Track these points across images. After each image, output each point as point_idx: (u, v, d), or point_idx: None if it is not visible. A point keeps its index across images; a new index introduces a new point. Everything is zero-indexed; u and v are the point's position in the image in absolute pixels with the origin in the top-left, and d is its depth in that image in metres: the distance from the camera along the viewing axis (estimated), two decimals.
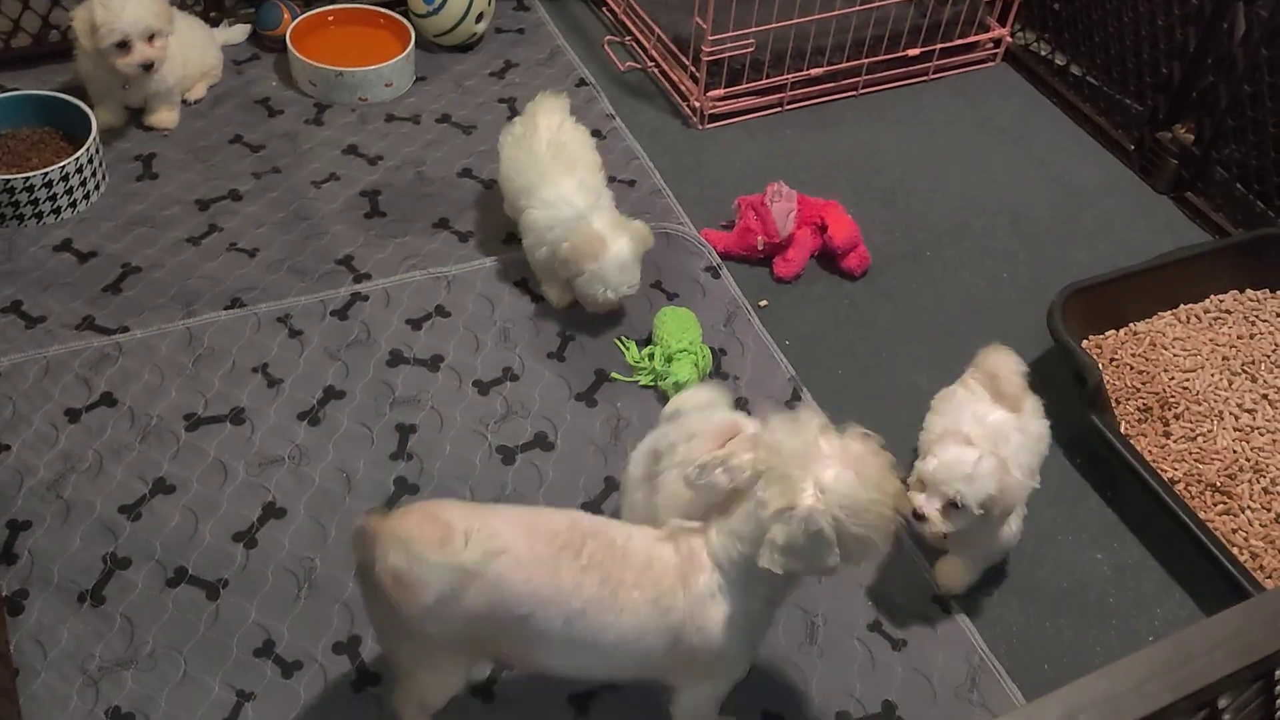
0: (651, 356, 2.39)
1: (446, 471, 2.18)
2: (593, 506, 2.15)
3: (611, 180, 2.80)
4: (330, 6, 3.07)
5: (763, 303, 2.59)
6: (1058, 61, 3.29)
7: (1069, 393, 2.38)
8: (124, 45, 2.54)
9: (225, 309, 2.41)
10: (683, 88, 3.07)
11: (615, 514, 2.13)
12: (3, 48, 2.91)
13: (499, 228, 2.65)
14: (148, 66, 2.58)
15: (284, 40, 2.95)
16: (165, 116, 2.78)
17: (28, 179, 2.46)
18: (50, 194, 2.50)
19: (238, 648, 1.90)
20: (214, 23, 2.97)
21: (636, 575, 1.57)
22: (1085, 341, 2.49)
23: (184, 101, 2.86)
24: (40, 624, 1.90)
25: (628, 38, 3.27)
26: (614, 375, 2.38)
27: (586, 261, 2.33)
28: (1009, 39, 3.33)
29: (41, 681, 1.83)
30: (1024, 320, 2.60)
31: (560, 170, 2.39)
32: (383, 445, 2.21)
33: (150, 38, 2.57)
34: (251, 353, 2.34)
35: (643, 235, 2.40)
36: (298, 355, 2.34)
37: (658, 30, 3.13)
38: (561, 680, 1.79)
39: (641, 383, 2.37)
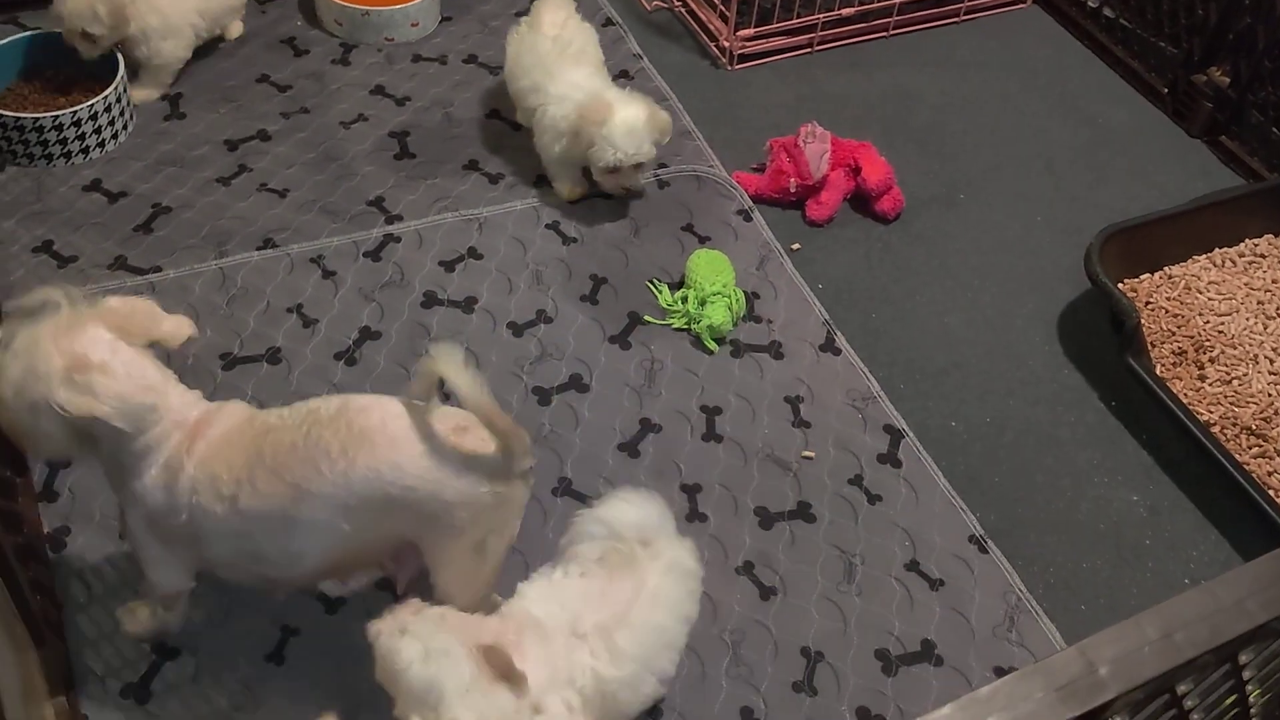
0: (685, 300, 2.37)
1: None
2: (629, 447, 2.15)
3: None
4: None
5: (795, 246, 2.57)
6: (1090, 3, 3.25)
7: (1105, 335, 2.37)
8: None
9: (258, 249, 2.40)
10: (711, 27, 3.03)
11: (653, 459, 2.13)
12: None
13: (529, 170, 2.63)
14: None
15: None
16: (142, 94, 2.69)
17: (55, 118, 2.44)
18: (79, 133, 2.48)
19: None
20: None
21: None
22: (1120, 284, 2.47)
23: (220, 39, 2.83)
24: (83, 560, 1.90)
25: None
26: (647, 318, 2.37)
27: (593, 125, 2.35)
28: None
29: (87, 617, 1.83)
30: (1057, 263, 2.58)
31: (568, 64, 2.44)
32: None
33: (85, 35, 2.50)
34: (286, 293, 2.33)
35: (657, 112, 2.43)
36: (332, 296, 2.33)
37: None
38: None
39: (675, 325, 2.36)
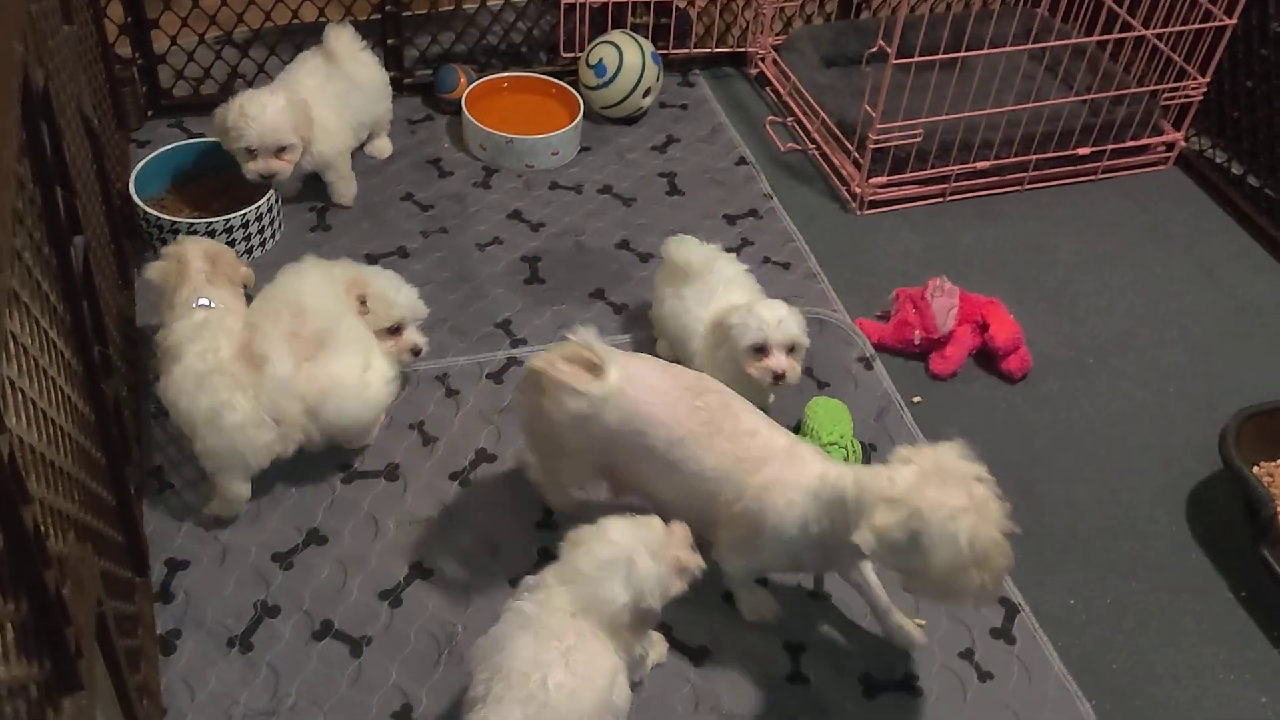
0: None
1: None
2: (732, 597, 2.11)
3: (766, 261, 2.80)
4: (504, 74, 3.15)
5: (916, 399, 2.54)
6: (1234, 170, 3.19)
7: (1238, 520, 2.28)
8: (251, 152, 2.56)
9: None
10: (844, 172, 3.05)
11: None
12: (192, 94, 3.04)
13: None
14: (268, 177, 2.60)
15: (459, 103, 3.03)
16: (344, 191, 2.81)
17: (209, 224, 2.56)
18: (230, 239, 2.59)
19: (377, 708, 1.90)
20: (395, 84, 3.03)
21: (735, 432, 1.91)
22: (1256, 468, 2.38)
23: (372, 157, 2.95)
24: (190, 666, 1.94)
25: (790, 119, 3.28)
26: None
27: (736, 315, 2.24)
28: (1183, 143, 3.24)
29: None
30: (1189, 439, 2.50)
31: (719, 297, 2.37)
32: (529, 512, 2.21)
33: (279, 151, 2.59)
34: (409, 409, 2.37)
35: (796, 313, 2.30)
36: (453, 415, 2.37)
37: (822, 114, 3.13)
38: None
39: None
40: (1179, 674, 2.10)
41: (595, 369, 1.92)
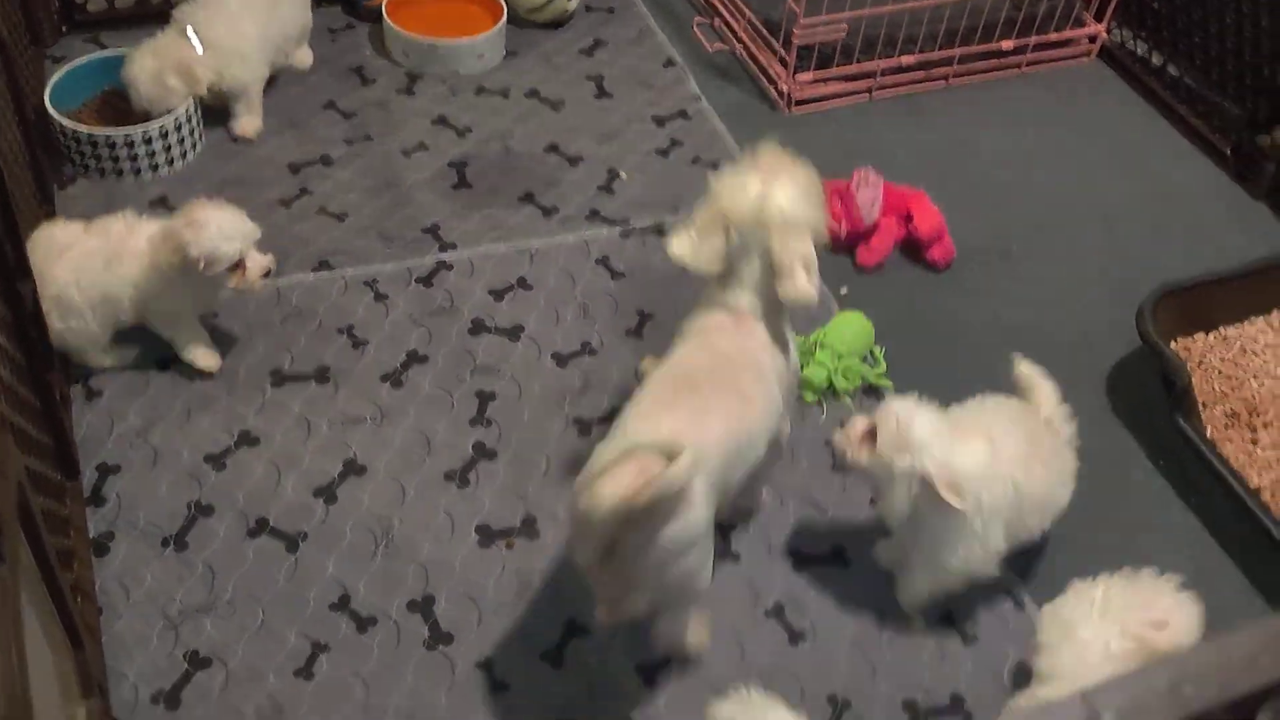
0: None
1: (524, 439, 2.19)
2: None
3: (695, 161, 2.81)
4: None
5: (843, 290, 2.57)
6: (1154, 61, 3.23)
7: (1154, 395, 2.34)
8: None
9: (314, 270, 2.45)
10: (771, 71, 3.05)
11: None
12: (107, 8, 2.97)
13: (583, 204, 2.67)
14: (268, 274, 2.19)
15: (379, 11, 2.98)
16: (248, 123, 2.74)
17: (128, 135, 2.52)
18: (149, 150, 2.56)
19: (314, 600, 1.93)
20: None
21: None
22: (1173, 343, 2.44)
23: (293, 68, 2.89)
24: (125, 566, 1.94)
25: (716, 20, 3.26)
26: None
27: None
28: (1105, 36, 3.27)
29: (124, 622, 1.87)
30: (1110, 320, 2.55)
31: None
32: (462, 410, 2.23)
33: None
34: (337, 314, 2.37)
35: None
36: (383, 319, 2.37)
37: (748, 13, 3.12)
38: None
39: None
40: (1099, 542, 2.16)
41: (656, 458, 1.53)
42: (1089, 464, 2.28)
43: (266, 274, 2.16)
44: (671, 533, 1.56)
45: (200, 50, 2.58)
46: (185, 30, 2.58)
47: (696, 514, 1.59)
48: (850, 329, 2.37)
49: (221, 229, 2.06)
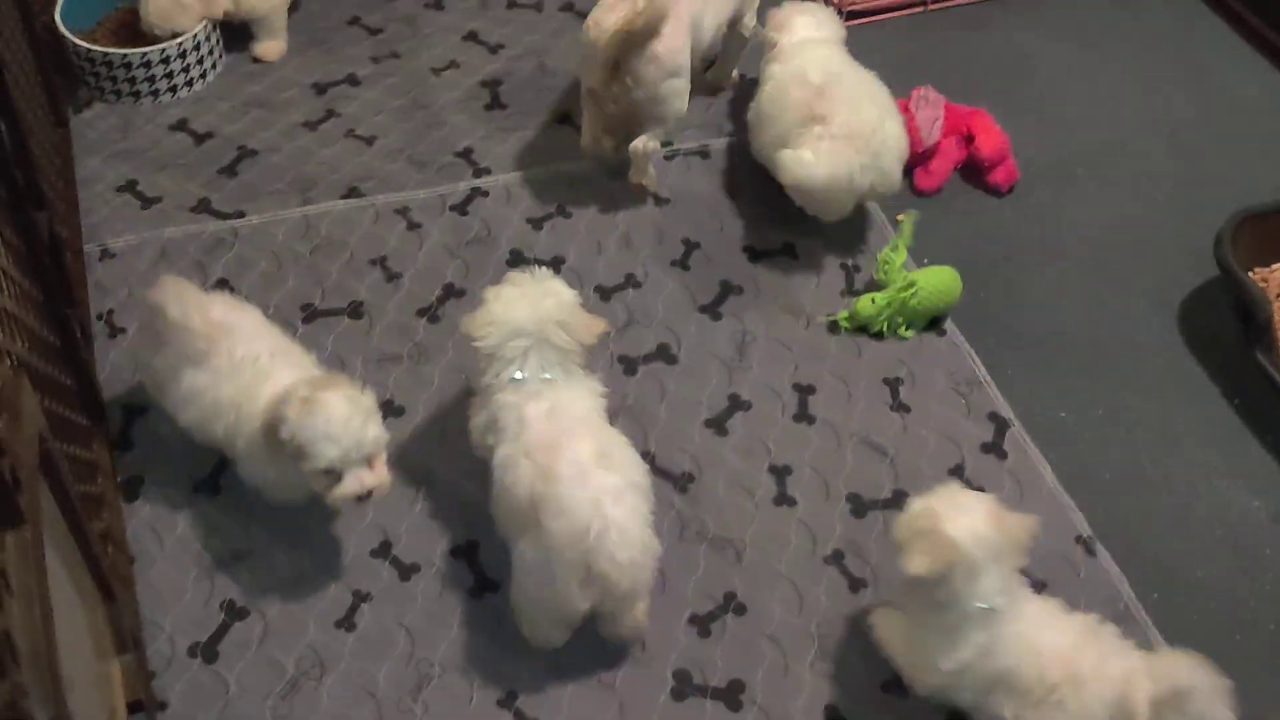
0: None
1: None
2: (716, 424, 2.05)
3: (743, 78, 2.66)
4: None
5: (901, 216, 2.43)
6: None
7: (1231, 327, 2.21)
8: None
9: (343, 198, 2.33)
10: None
11: (741, 436, 2.03)
12: None
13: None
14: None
15: None
16: (268, 47, 2.60)
17: (144, 55, 2.40)
18: (167, 71, 2.43)
19: (355, 547, 1.85)
20: None
21: None
22: (1252, 273, 2.30)
23: None
24: (156, 512, 1.86)
25: None
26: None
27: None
28: None
29: (157, 570, 1.80)
30: (1182, 246, 2.42)
31: None
32: None
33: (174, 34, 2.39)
34: (370, 244, 2.26)
35: None
36: (417, 249, 2.26)
37: None
38: None
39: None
40: (1172, 481, 2.07)
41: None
42: (1159, 397, 2.18)
43: (366, 496, 1.67)
44: (660, 49, 2.13)
45: None
46: None
47: (678, 41, 2.16)
48: (938, 286, 2.20)
49: (330, 426, 1.61)
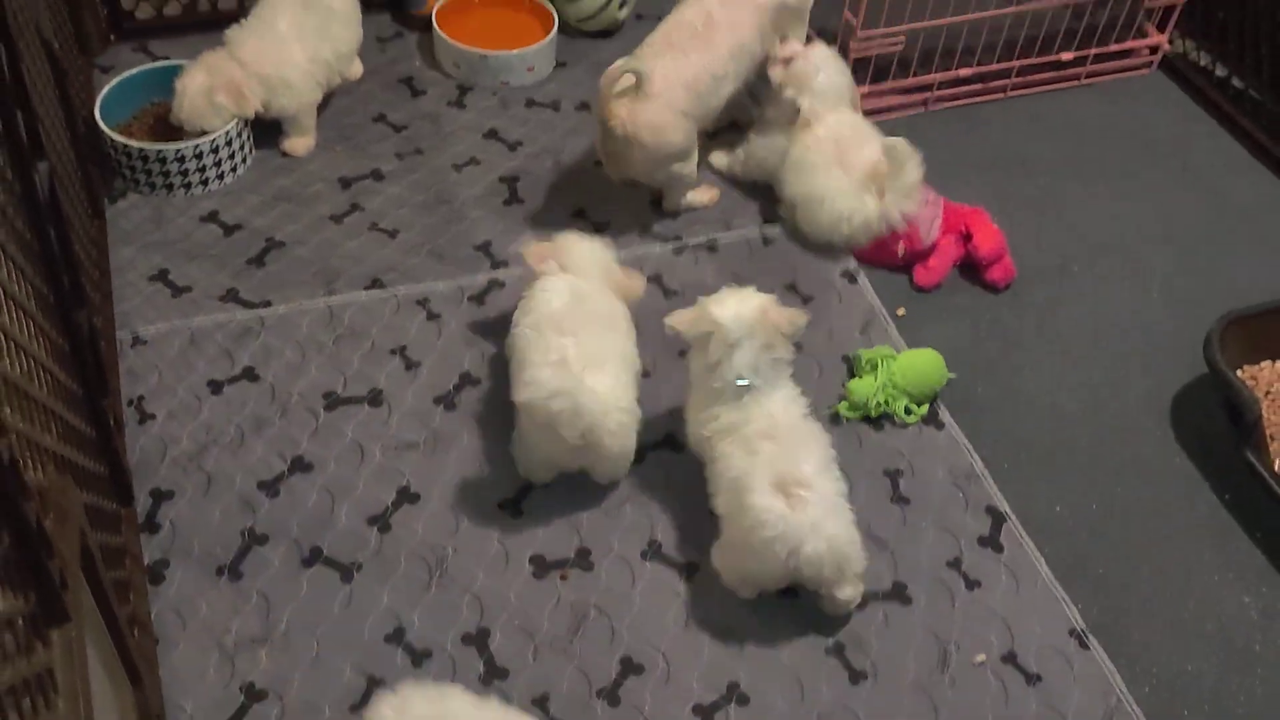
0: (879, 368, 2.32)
1: None
2: None
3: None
4: None
5: (900, 311, 2.52)
6: (1218, 72, 3.15)
7: (1222, 423, 2.28)
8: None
9: (366, 289, 2.42)
10: None
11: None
12: (155, 16, 2.96)
13: (633, 221, 2.63)
14: None
15: (429, 19, 2.95)
16: (297, 143, 2.71)
17: (179, 150, 2.50)
18: (199, 165, 2.54)
19: (369, 633, 1.91)
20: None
21: None
22: (1240, 372, 2.38)
23: (343, 78, 2.84)
24: (180, 595, 1.93)
25: None
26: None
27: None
28: (1167, 46, 3.19)
29: (180, 653, 1.86)
30: (1174, 343, 2.50)
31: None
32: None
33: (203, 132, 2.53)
34: (390, 334, 2.35)
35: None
36: (435, 339, 2.35)
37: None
38: None
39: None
40: (1164, 576, 2.12)
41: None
42: (1152, 493, 2.24)
43: None
44: (646, 137, 2.39)
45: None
46: (235, 53, 2.55)
47: (676, 125, 2.43)
48: (920, 366, 2.31)
49: None
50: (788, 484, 1.83)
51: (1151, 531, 2.19)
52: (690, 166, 2.55)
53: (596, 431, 1.95)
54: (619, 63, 2.39)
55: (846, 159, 2.53)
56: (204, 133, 2.53)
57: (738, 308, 1.96)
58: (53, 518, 1.23)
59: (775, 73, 2.58)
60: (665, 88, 2.41)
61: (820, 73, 2.54)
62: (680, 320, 2.00)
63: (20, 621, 1.06)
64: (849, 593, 1.93)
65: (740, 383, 1.95)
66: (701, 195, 2.68)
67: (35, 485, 1.20)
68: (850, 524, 1.90)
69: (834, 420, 2.29)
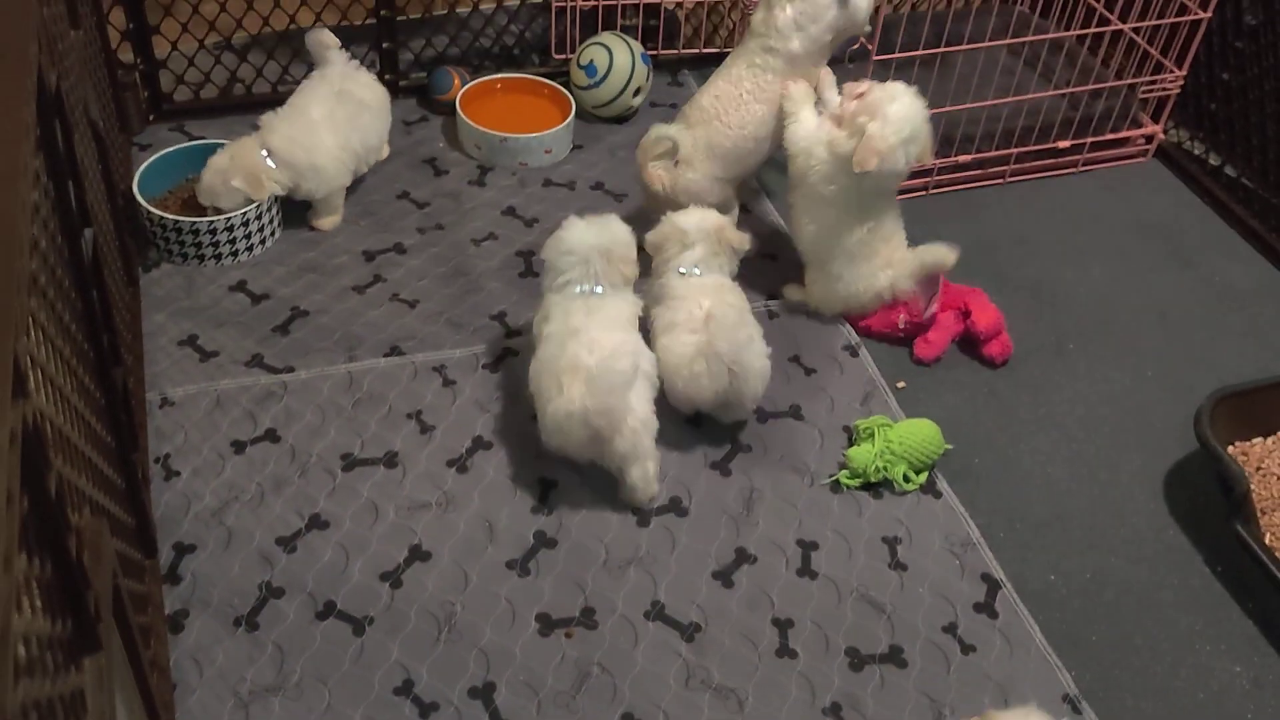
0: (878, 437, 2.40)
1: (584, 528, 2.24)
2: (724, 576, 2.18)
3: (758, 255, 2.87)
4: (498, 75, 3.22)
5: (901, 384, 2.61)
6: (1211, 161, 3.26)
7: (1213, 497, 2.35)
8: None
9: (385, 355, 2.53)
10: None
11: (746, 589, 2.16)
12: (193, 99, 3.12)
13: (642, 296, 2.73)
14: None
15: (453, 105, 3.10)
16: (324, 220, 2.84)
17: (211, 223, 2.63)
18: (230, 238, 2.67)
19: (379, 684, 1.97)
20: (390, 86, 3.09)
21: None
22: (1231, 448, 2.45)
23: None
24: (198, 644, 2.00)
25: None
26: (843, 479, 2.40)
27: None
28: (1162, 136, 3.31)
29: (196, 699, 1.93)
30: (1166, 419, 2.57)
31: None
32: (525, 498, 2.28)
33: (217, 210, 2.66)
34: (407, 399, 2.44)
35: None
36: (450, 404, 2.45)
37: None
38: None
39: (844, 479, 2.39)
40: (1157, 645, 2.17)
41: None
42: (1145, 564, 2.30)
43: None
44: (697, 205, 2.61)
45: (273, 166, 2.68)
46: (261, 145, 2.69)
47: (711, 189, 2.72)
48: (918, 435, 2.39)
49: None
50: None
51: (1144, 601, 2.25)
52: (728, 219, 2.69)
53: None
54: (655, 129, 2.67)
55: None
56: (219, 210, 2.65)
57: (699, 220, 2.51)
58: (89, 555, 1.31)
59: (849, 106, 2.52)
60: (700, 157, 2.67)
61: (895, 101, 2.46)
62: (653, 235, 2.53)
63: (56, 645, 1.14)
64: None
65: (681, 271, 2.47)
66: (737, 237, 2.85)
67: (75, 525, 1.29)
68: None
69: (834, 488, 2.37)
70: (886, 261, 2.60)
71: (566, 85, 3.21)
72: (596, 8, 3.27)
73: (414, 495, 2.27)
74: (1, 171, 1.24)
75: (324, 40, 2.83)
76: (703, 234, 2.47)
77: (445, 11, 3.34)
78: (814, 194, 2.56)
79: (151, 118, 3.10)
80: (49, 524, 1.14)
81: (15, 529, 0.97)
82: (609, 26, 3.29)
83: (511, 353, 2.56)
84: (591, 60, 3.16)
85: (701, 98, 2.70)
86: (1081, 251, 3.01)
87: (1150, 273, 2.97)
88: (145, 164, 2.74)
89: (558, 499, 2.29)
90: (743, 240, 2.53)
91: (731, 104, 2.65)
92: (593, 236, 2.37)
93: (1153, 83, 3.22)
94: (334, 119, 2.76)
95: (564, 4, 3.23)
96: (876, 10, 2.99)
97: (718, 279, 2.48)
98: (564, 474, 2.33)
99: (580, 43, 3.24)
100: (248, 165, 2.64)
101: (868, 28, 2.72)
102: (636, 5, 3.32)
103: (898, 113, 2.44)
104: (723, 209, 2.70)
